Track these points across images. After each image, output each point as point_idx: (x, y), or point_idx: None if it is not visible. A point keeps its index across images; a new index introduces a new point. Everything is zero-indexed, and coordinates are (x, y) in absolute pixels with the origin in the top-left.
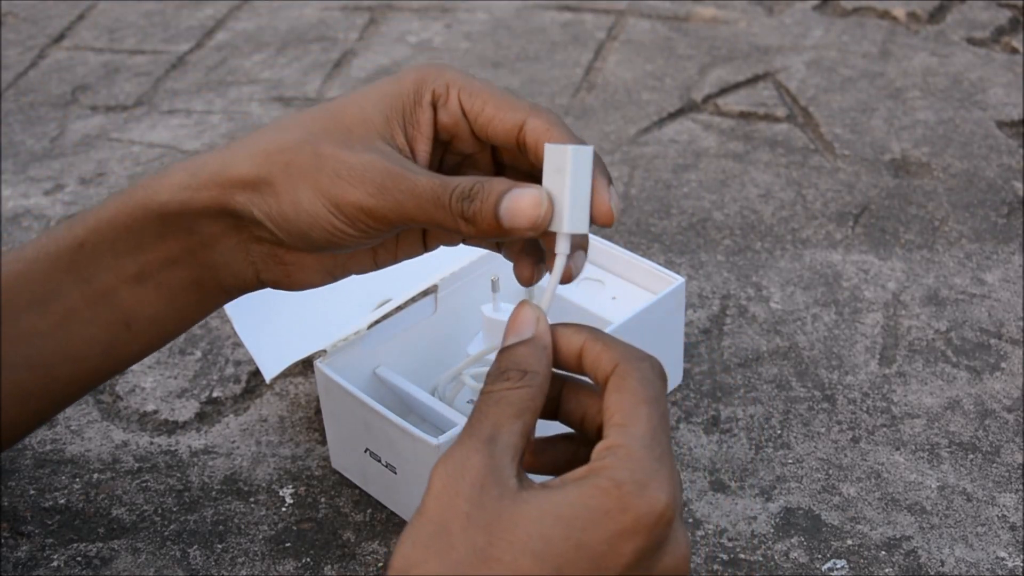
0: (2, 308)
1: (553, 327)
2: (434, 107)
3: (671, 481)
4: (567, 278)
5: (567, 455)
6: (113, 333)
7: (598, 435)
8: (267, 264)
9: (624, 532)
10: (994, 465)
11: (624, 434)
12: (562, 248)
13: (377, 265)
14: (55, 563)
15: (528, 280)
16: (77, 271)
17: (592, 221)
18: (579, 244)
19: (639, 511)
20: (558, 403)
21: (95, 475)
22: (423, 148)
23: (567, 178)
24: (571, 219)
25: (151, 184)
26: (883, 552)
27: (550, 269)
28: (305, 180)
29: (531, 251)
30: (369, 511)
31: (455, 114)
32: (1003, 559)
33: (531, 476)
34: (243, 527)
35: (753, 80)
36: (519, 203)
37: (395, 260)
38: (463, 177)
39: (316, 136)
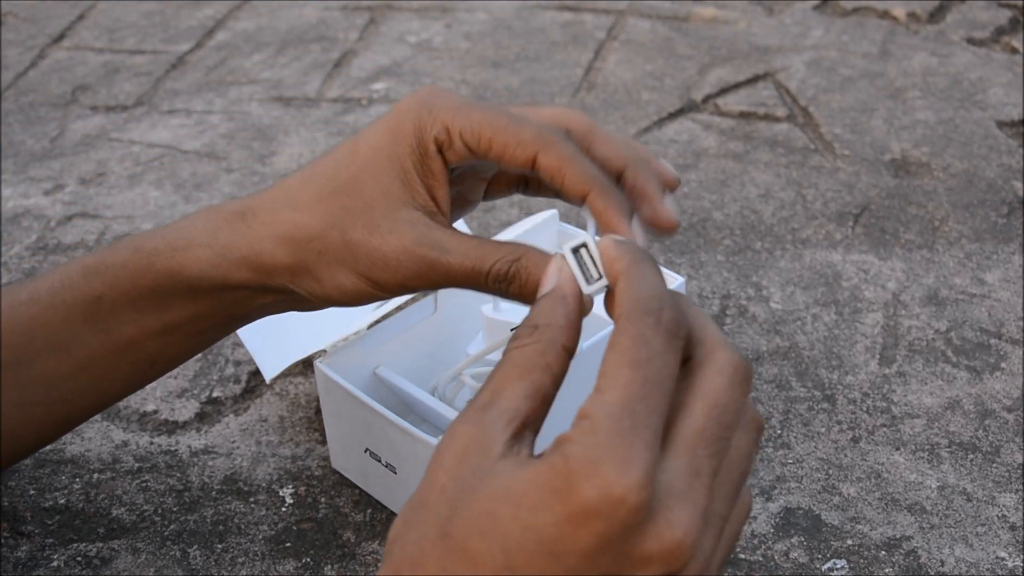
0: (17, 352)
1: (605, 241)
2: (441, 153)
3: (640, 459)
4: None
5: None
6: (138, 371)
7: None
8: (300, 307)
9: (574, 516)
10: (994, 465)
11: (595, 402)
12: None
13: None
14: (55, 563)
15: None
16: (96, 323)
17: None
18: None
19: (587, 494)
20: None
21: (95, 475)
22: (442, 194)
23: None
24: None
25: (173, 255)
26: (883, 552)
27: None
28: (343, 266)
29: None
30: (369, 511)
31: (463, 155)
32: (1003, 559)
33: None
34: (243, 527)
35: (753, 80)
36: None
37: None
38: (496, 249)
39: (340, 221)
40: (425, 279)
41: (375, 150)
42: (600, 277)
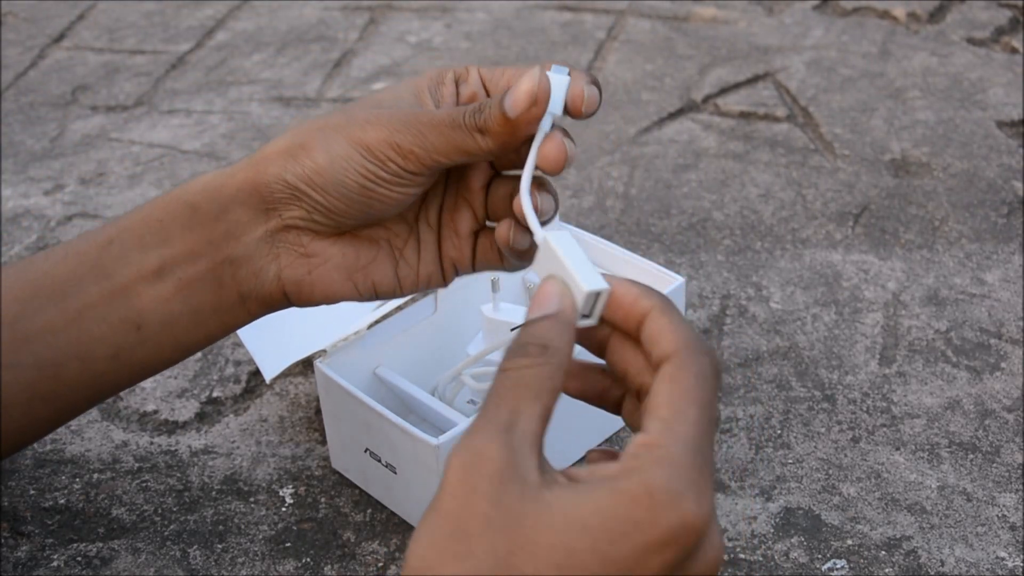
0: (24, 306)
1: (621, 281)
2: (456, 84)
3: (709, 492)
4: (551, 162)
5: (599, 388)
6: (123, 333)
7: (639, 394)
8: (291, 258)
9: (653, 545)
10: (994, 465)
11: (668, 433)
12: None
13: (400, 283)
14: (55, 563)
15: (504, 239)
16: (101, 267)
17: (568, 114)
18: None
19: (671, 524)
20: (605, 346)
21: (95, 475)
22: (449, 102)
23: (561, 255)
24: (584, 278)
25: (188, 181)
26: (883, 552)
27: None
28: (337, 133)
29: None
30: (369, 511)
31: (475, 85)
32: (1003, 559)
33: (554, 467)
34: (243, 527)
35: (753, 80)
36: (518, 87)
37: (416, 280)
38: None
39: (350, 107)
40: (412, 129)
41: (402, 83)
42: (590, 316)
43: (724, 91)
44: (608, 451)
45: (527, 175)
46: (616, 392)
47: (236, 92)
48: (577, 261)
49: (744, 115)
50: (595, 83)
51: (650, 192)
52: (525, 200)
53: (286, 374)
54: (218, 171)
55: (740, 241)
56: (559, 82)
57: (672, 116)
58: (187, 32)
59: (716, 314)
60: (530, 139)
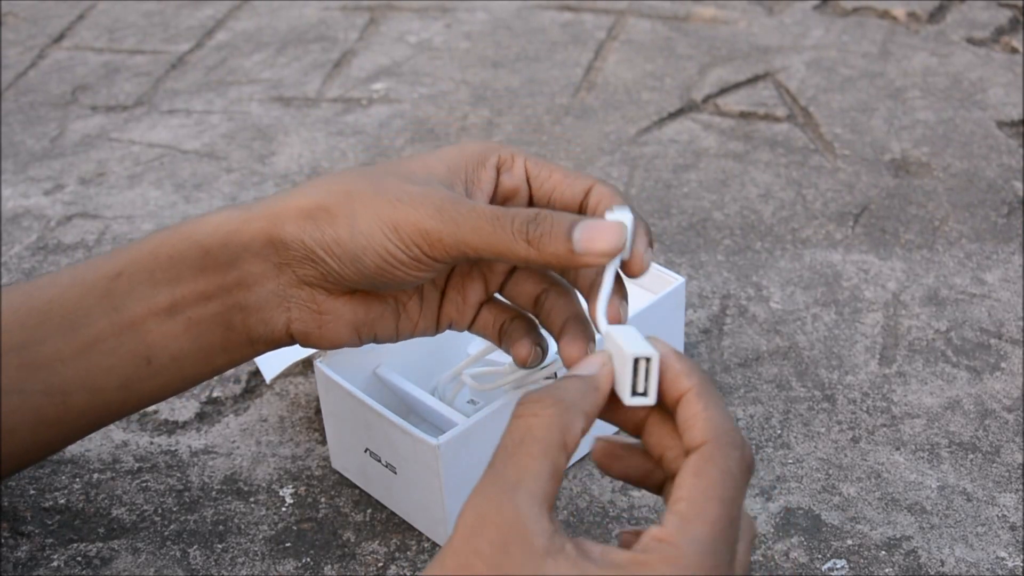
0: (31, 333)
1: (668, 352)
2: (498, 170)
3: None
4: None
5: (642, 469)
6: (133, 366)
7: (672, 475)
8: (302, 312)
9: None
10: (994, 465)
11: (682, 531)
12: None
13: (398, 333)
14: (55, 563)
15: (524, 360)
16: (110, 299)
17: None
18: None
19: None
20: (643, 427)
21: (95, 475)
22: (483, 196)
23: (619, 339)
24: (632, 347)
25: (199, 219)
26: (883, 552)
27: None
28: (364, 204)
29: (531, 333)
30: (369, 511)
31: (519, 178)
32: (1003, 559)
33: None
34: (243, 527)
35: (753, 80)
36: (595, 233)
37: (412, 331)
38: (522, 211)
39: (379, 174)
40: (446, 217)
41: (436, 150)
42: (646, 394)
43: (724, 91)
44: (638, 531)
45: (604, 297)
46: (659, 475)
47: (236, 92)
48: (632, 340)
49: (744, 115)
50: (651, 243)
51: (650, 192)
52: (603, 325)
53: (286, 374)
54: (231, 210)
55: (740, 241)
56: (627, 223)
57: (672, 116)
58: (187, 32)
59: (716, 314)
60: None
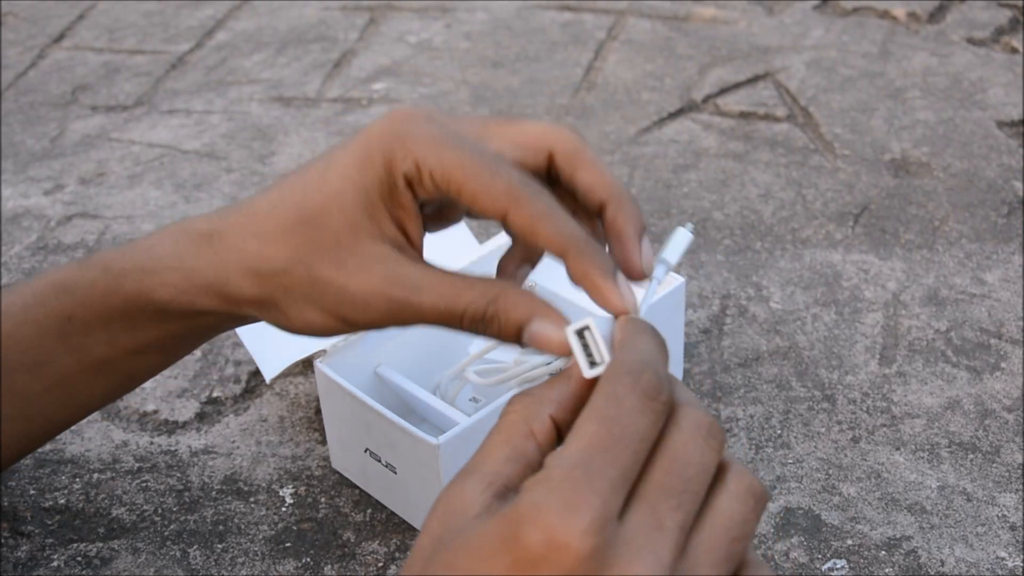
0: None
1: (621, 321)
2: (411, 188)
3: (587, 506)
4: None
5: None
6: (116, 385)
7: None
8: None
9: (521, 563)
10: (994, 465)
11: (555, 455)
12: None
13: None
14: (55, 563)
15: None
16: (68, 341)
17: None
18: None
19: (530, 539)
20: None
21: (95, 475)
22: (413, 226)
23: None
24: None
25: (142, 278)
26: (883, 552)
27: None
28: (309, 303)
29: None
30: (369, 511)
31: (432, 193)
32: (1003, 559)
33: None
34: (243, 527)
35: (753, 80)
36: (546, 338)
37: None
38: (470, 287)
39: (307, 255)
40: (396, 318)
41: (343, 179)
42: (603, 362)
43: (724, 91)
44: None
45: (644, 310)
46: None
47: (236, 92)
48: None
49: (744, 115)
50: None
51: (650, 192)
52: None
53: (286, 374)
54: (173, 274)
55: (740, 241)
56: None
57: (672, 116)
58: (187, 32)
59: (716, 314)
60: None
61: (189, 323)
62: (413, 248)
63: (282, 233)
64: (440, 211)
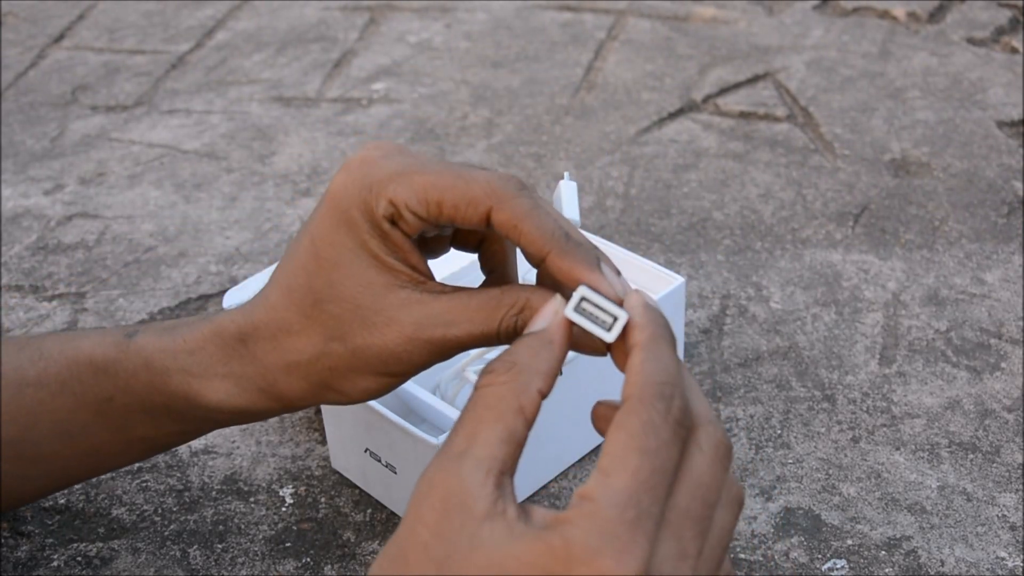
0: (23, 432)
1: (638, 305)
2: (397, 226)
3: (640, 550)
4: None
5: None
6: (148, 453)
7: None
8: None
9: None
10: (994, 465)
11: (602, 484)
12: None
13: None
14: (55, 563)
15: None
16: (107, 420)
17: None
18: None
19: None
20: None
21: None
22: (417, 258)
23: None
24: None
25: (189, 382)
26: (883, 552)
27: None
28: (357, 373)
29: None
30: (369, 511)
31: (417, 225)
32: (1003, 559)
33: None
34: (243, 527)
35: (753, 80)
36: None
37: None
38: (498, 304)
39: (337, 331)
40: (441, 355)
41: (335, 248)
42: (615, 320)
43: (724, 91)
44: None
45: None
46: None
47: (236, 92)
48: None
49: (744, 115)
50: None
51: (650, 192)
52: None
53: None
54: (224, 381)
55: (740, 241)
56: (570, 190)
57: (672, 116)
58: (187, 32)
59: (716, 314)
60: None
61: (239, 417)
62: (425, 277)
63: (306, 319)
64: (426, 242)
